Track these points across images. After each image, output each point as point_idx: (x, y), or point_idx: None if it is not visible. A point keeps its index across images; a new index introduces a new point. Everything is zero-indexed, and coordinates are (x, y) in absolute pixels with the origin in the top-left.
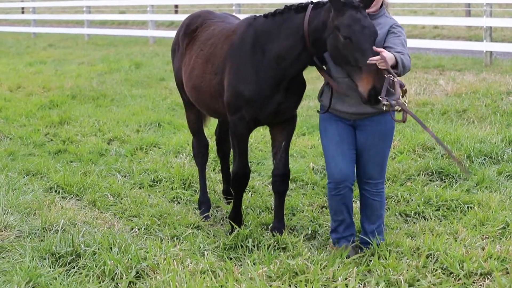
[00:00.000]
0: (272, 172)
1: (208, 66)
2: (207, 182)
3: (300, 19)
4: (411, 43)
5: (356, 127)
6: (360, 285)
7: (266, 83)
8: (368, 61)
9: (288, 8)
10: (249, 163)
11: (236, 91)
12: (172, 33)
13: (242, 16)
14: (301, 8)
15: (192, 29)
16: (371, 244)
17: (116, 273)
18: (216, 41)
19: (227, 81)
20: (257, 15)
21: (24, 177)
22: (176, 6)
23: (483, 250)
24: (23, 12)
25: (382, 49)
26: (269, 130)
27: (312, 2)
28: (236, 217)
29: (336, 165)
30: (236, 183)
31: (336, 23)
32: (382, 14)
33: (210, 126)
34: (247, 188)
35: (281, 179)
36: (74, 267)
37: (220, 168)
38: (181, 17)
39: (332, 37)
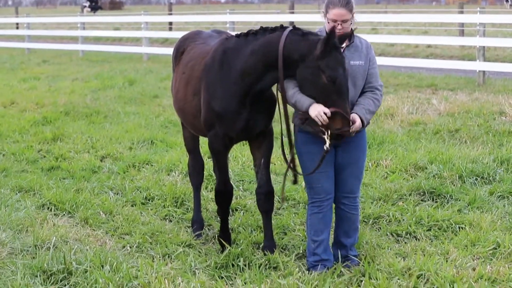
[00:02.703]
0: (255, 190)
1: (189, 88)
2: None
3: (273, 38)
4: (405, 62)
5: (338, 144)
6: None
7: (232, 98)
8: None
9: (263, 30)
10: (234, 181)
11: (209, 107)
12: (166, 50)
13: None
14: (277, 29)
15: (181, 52)
16: (352, 257)
17: None
18: (194, 63)
19: (202, 99)
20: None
21: (16, 194)
22: (170, 23)
23: (474, 270)
24: (17, 28)
25: (356, 117)
26: (250, 149)
27: (291, 27)
28: (225, 235)
29: (322, 186)
30: (218, 199)
31: (321, 63)
32: (355, 38)
33: (203, 144)
34: (239, 207)
35: (264, 197)
36: (65, 285)
37: (212, 187)
38: (175, 34)
39: (311, 74)
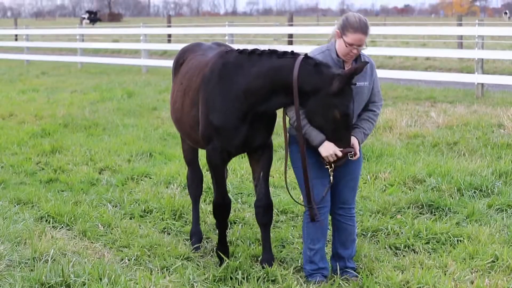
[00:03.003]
0: (254, 203)
1: (186, 99)
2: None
3: (284, 65)
4: (403, 74)
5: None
6: None
7: (233, 114)
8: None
9: (269, 52)
10: (233, 194)
11: (207, 121)
12: (164, 62)
13: (235, 47)
14: (286, 55)
15: (180, 63)
16: (350, 269)
17: None
18: (192, 74)
19: (200, 112)
20: (241, 48)
21: (15, 206)
22: (169, 36)
23: (472, 283)
24: (16, 39)
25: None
26: (249, 162)
27: (302, 56)
28: (223, 248)
29: (318, 193)
30: (216, 213)
31: (336, 101)
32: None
33: (202, 157)
34: (237, 219)
35: (263, 210)
36: None
37: (211, 199)
38: (174, 47)
39: (324, 108)
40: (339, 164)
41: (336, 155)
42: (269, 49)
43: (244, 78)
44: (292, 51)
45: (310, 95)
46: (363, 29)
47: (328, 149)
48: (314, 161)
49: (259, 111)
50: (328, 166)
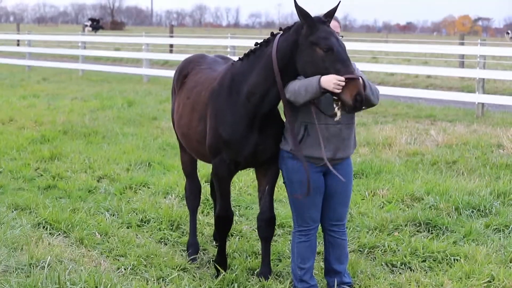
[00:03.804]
0: (257, 216)
1: (194, 114)
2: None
3: (269, 50)
4: (404, 92)
5: (328, 172)
6: None
7: (240, 123)
8: (351, 75)
9: (260, 45)
10: (232, 206)
11: (215, 134)
12: (166, 72)
13: (236, 58)
14: (270, 40)
15: (184, 75)
16: (346, 285)
17: None
18: (200, 89)
19: (208, 125)
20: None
21: (12, 212)
22: (171, 46)
23: None
24: (18, 45)
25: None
26: (255, 175)
27: (281, 29)
28: (221, 260)
29: (310, 215)
30: (219, 225)
31: (312, 39)
32: None
33: (201, 169)
34: (234, 232)
35: (266, 224)
36: None
37: (208, 211)
38: (176, 57)
39: (308, 54)
40: (359, 99)
41: (344, 92)
42: (256, 42)
43: (248, 82)
44: (272, 32)
45: (295, 55)
46: (335, 17)
47: (329, 80)
48: (314, 189)
49: (264, 112)
50: (337, 107)
